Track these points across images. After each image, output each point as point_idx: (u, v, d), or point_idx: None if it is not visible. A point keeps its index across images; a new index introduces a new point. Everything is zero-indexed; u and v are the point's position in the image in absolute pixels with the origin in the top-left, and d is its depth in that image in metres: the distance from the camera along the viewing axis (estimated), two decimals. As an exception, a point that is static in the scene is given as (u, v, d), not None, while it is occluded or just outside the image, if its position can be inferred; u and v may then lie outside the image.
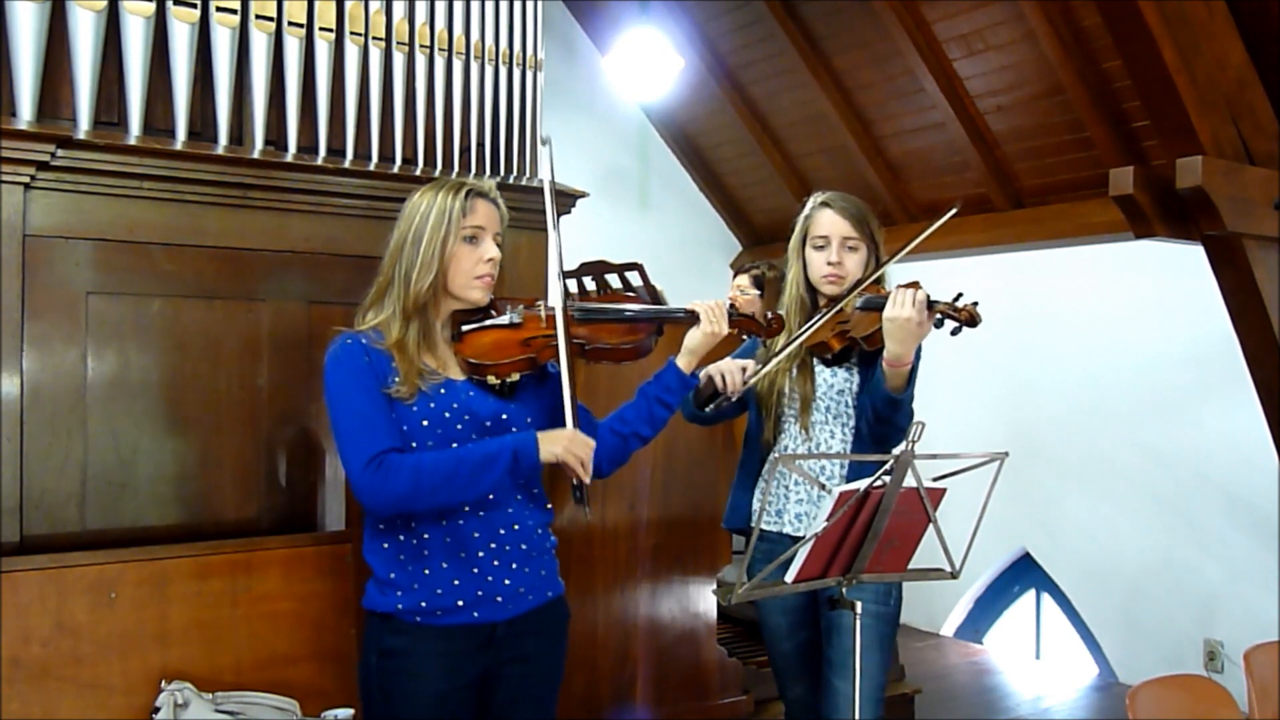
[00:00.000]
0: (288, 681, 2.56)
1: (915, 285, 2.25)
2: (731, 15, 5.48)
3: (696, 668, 3.27)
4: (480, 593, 1.94)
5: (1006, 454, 2.07)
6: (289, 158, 3.01)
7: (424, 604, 1.92)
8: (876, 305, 2.31)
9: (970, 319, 2.23)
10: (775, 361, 2.38)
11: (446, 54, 3.30)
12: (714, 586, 3.31)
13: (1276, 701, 2.55)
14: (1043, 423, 5.43)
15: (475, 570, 1.94)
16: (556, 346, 1.96)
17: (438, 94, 3.29)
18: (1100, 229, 4.67)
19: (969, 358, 5.29)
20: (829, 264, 2.42)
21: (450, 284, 1.98)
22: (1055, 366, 5.42)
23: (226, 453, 2.90)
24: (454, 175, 3.27)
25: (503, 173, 3.40)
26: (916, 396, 2.35)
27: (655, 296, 2.20)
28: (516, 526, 1.99)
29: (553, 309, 2.00)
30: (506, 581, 1.96)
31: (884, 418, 2.31)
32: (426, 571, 1.92)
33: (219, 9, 2.88)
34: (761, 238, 6.58)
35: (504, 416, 1.99)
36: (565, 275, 2.09)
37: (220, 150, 2.89)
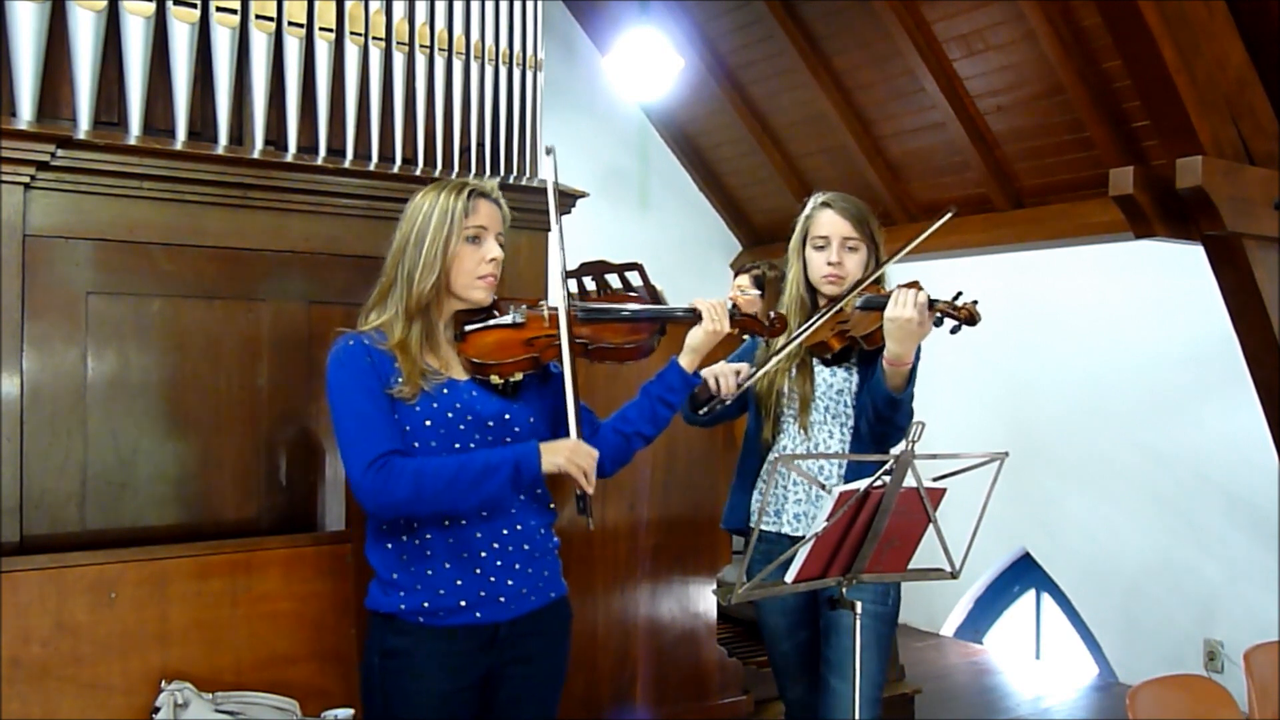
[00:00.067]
0: (288, 681, 2.56)
1: (915, 285, 2.25)
2: (731, 15, 5.48)
3: (696, 668, 3.27)
4: (483, 593, 1.94)
5: (1006, 454, 2.07)
6: (289, 158, 3.00)
7: (427, 604, 1.92)
8: (876, 305, 2.31)
9: (970, 317, 2.23)
10: (774, 361, 2.38)
11: (446, 54, 3.30)
12: (714, 586, 3.31)
13: (1276, 701, 2.55)
14: (1043, 423, 5.43)
15: (478, 571, 1.94)
16: (559, 346, 1.96)
17: (438, 94, 3.29)
18: (1100, 229, 4.68)
19: (969, 357, 5.29)
20: (829, 264, 2.43)
21: (453, 284, 1.98)
22: (1055, 366, 5.42)
23: (226, 453, 2.90)
24: (454, 175, 3.27)
25: (503, 173, 3.40)
26: (916, 396, 2.35)
27: (655, 296, 2.20)
28: (519, 527, 1.99)
29: (555, 309, 2.00)
30: (509, 582, 1.96)
31: (884, 417, 2.31)
32: (429, 572, 1.93)
33: (219, 9, 2.88)
34: (761, 238, 6.59)
35: (507, 416, 1.99)
36: (565, 275, 2.10)
37: (220, 150, 2.89)
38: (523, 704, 2.02)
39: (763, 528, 2.38)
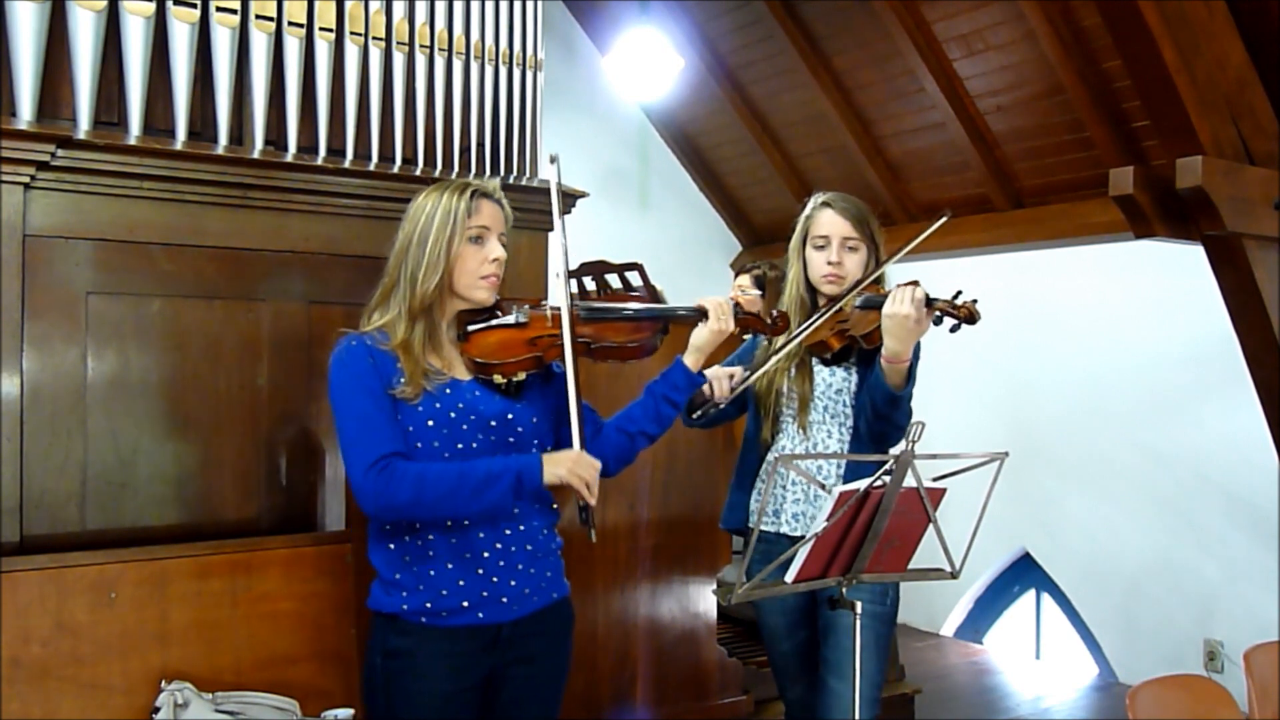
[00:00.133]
0: (288, 681, 2.56)
1: (914, 284, 2.25)
2: (731, 15, 5.48)
3: (696, 668, 3.27)
4: (485, 593, 1.94)
5: (1006, 454, 2.07)
6: (289, 158, 3.01)
7: (429, 605, 1.92)
8: (876, 304, 2.31)
9: (969, 316, 2.24)
10: (773, 361, 2.38)
11: (446, 54, 3.30)
12: (714, 586, 3.31)
13: (1276, 701, 2.55)
14: (1043, 423, 5.43)
15: (480, 571, 1.94)
16: (562, 346, 1.96)
17: (438, 94, 3.29)
18: (1100, 229, 4.67)
19: (969, 357, 5.29)
20: (829, 264, 2.43)
21: (456, 284, 1.98)
22: (1055, 366, 5.42)
23: (226, 453, 2.90)
24: (455, 175, 3.27)
25: (503, 173, 3.40)
26: (917, 396, 2.35)
27: (655, 297, 2.20)
28: (522, 528, 1.99)
29: (558, 308, 2.00)
30: (512, 582, 1.96)
31: (883, 415, 2.32)
32: (432, 573, 1.93)
33: (219, 9, 2.88)
34: (761, 238, 6.59)
35: (510, 416, 1.99)
36: (569, 275, 2.10)
37: (220, 150, 2.89)
38: (525, 704, 2.02)
39: (762, 528, 2.38)
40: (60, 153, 2.61)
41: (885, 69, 5.12)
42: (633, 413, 2.12)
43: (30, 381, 2.63)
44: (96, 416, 2.72)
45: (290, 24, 3.01)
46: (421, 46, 3.25)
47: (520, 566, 1.98)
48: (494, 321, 2.03)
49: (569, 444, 1.97)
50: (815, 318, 2.37)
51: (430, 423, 1.92)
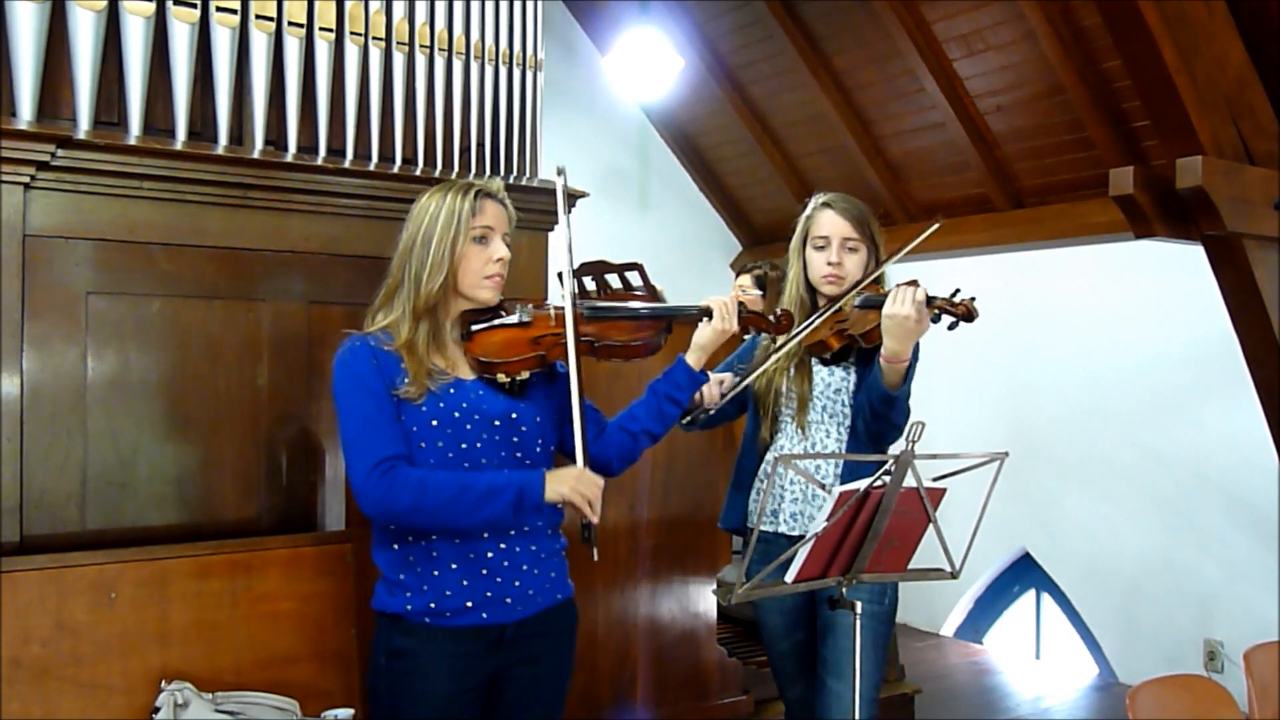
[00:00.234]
0: (288, 681, 2.56)
1: (914, 284, 2.25)
2: (731, 15, 5.48)
3: (696, 668, 3.27)
4: (489, 594, 1.94)
5: (1006, 454, 2.07)
6: (289, 158, 3.01)
7: (433, 605, 1.92)
8: (875, 304, 2.31)
9: (967, 314, 2.24)
10: (771, 361, 2.38)
11: (446, 54, 3.30)
12: (714, 586, 3.31)
13: (1276, 701, 2.55)
14: (1043, 423, 5.43)
15: (484, 571, 1.94)
16: (566, 345, 1.97)
17: (438, 94, 3.29)
18: (1100, 229, 4.67)
19: (969, 357, 5.29)
20: (829, 264, 2.43)
21: (460, 284, 1.98)
22: (1055, 366, 5.42)
23: (226, 453, 2.90)
24: (455, 175, 3.27)
25: (503, 173, 3.40)
26: (916, 396, 2.36)
27: (655, 297, 2.20)
28: (526, 528, 1.99)
29: (561, 307, 2.00)
30: (516, 583, 1.96)
31: (880, 414, 2.32)
32: (436, 573, 1.93)
33: (219, 9, 2.88)
34: (761, 238, 6.59)
35: (513, 415, 1.99)
36: (573, 274, 2.10)
37: (220, 150, 2.89)
38: (529, 705, 2.02)
39: (760, 528, 2.38)
40: (60, 153, 2.61)
41: (885, 69, 5.12)
42: (636, 412, 2.12)
43: (30, 381, 2.63)
44: (96, 416, 2.72)
45: (290, 24, 3.01)
46: (421, 46, 3.25)
47: (524, 567, 1.98)
48: (497, 321, 2.03)
49: (572, 443, 1.98)
50: (814, 317, 2.37)
51: (434, 422, 1.92)
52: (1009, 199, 5.16)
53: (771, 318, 2.22)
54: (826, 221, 2.45)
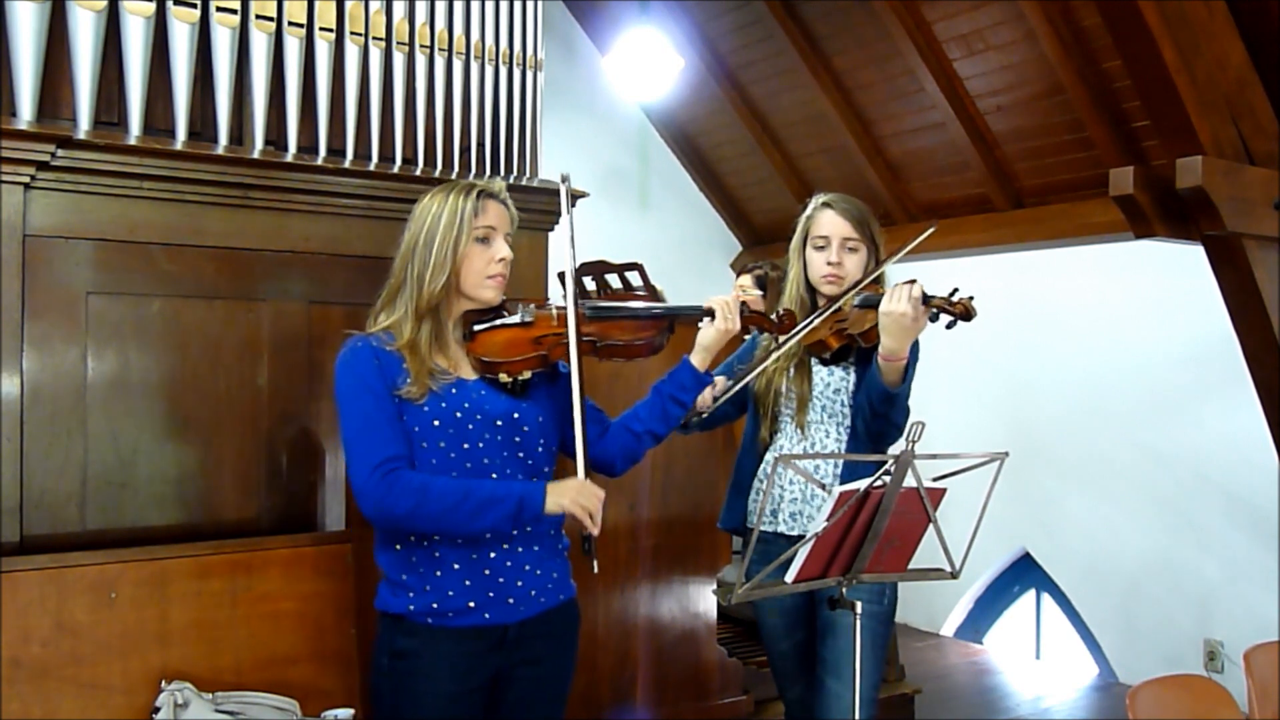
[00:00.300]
0: (288, 681, 2.56)
1: (912, 282, 2.25)
2: (731, 15, 5.48)
3: (696, 668, 3.27)
4: (492, 594, 1.94)
5: (1006, 454, 2.07)
6: (289, 158, 3.00)
7: (436, 605, 1.92)
8: (873, 303, 2.32)
9: (965, 312, 2.25)
10: (768, 362, 2.38)
11: (446, 54, 3.30)
12: (714, 586, 3.31)
13: (1276, 701, 2.55)
14: (1043, 423, 5.43)
15: (487, 572, 1.94)
16: (568, 344, 1.97)
17: (438, 94, 3.29)
18: (1100, 229, 4.68)
19: (969, 357, 5.30)
20: (829, 264, 2.43)
21: (463, 284, 1.99)
22: (1055, 366, 5.42)
23: (226, 453, 2.90)
24: (455, 175, 3.27)
25: (503, 172, 3.40)
26: (916, 396, 2.36)
27: (655, 297, 2.20)
28: (529, 529, 1.99)
29: (564, 307, 2.00)
30: (518, 583, 1.97)
31: (879, 413, 2.32)
32: (438, 573, 1.93)
33: (219, 9, 2.88)
34: (761, 238, 6.59)
35: (515, 415, 1.99)
36: (564, 276, 2.10)
37: (220, 150, 2.89)
38: (531, 705, 2.03)
39: (760, 528, 2.38)
40: (60, 153, 2.61)
41: (885, 69, 5.12)
42: (640, 412, 2.12)
43: (30, 381, 2.63)
44: (96, 416, 2.72)
45: (290, 24, 3.01)
46: (421, 46, 3.25)
47: (527, 567, 1.98)
48: (499, 321, 2.04)
49: (573, 443, 1.98)
50: (812, 317, 2.37)
51: (436, 422, 1.92)
52: (1009, 199, 5.16)
53: (774, 317, 2.23)
54: (827, 221, 2.45)
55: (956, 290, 2.28)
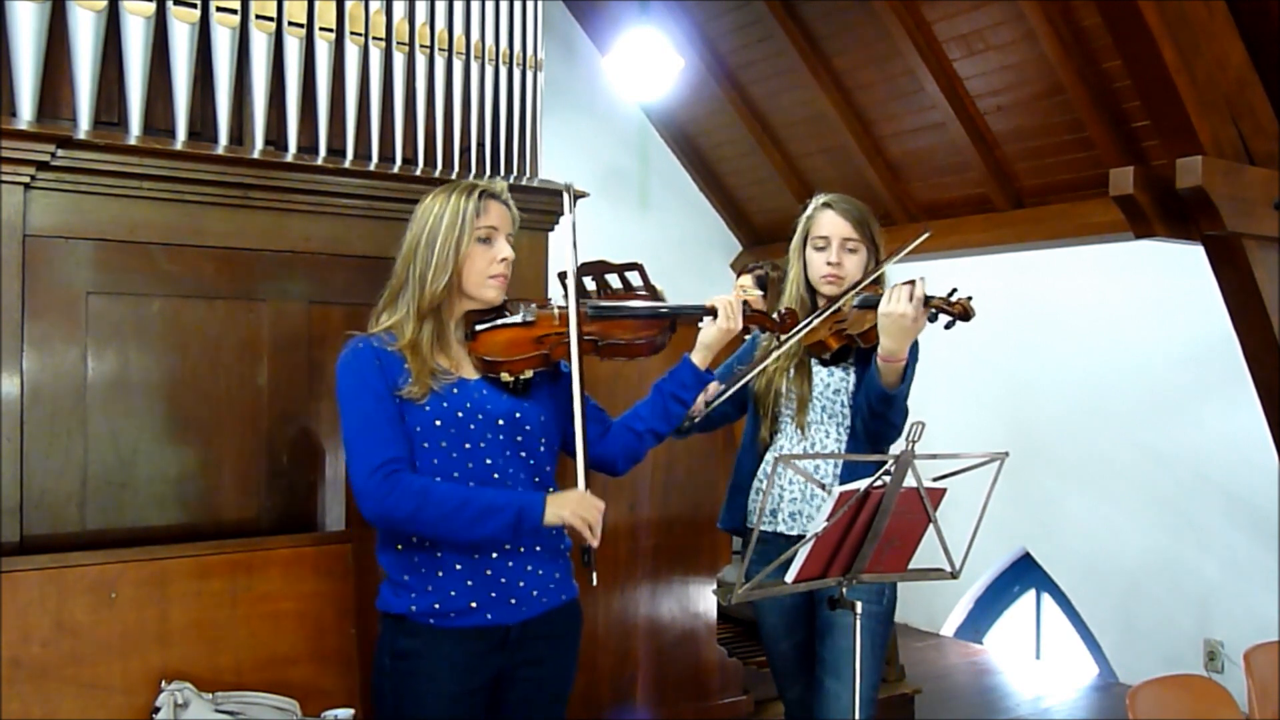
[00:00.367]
0: (288, 681, 2.56)
1: (912, 283, 2.25)
2: (731, 15, 5.48)
3: (696, 668, 3.27)
4: (494, 594, 1.94)
5: (1006, 454, 2.07)
6: (289, 158, 3.00)
7: (438, 606, 1.92)
8: (873, 303, 2.32)
9: (963, 313, 2.25)
10: (765, 363, 2.38)
11: (446, 54, 3.30)
12: (714, 586, 3.31)
13: (1276, 701, 2.55)
14: (1043, 423, 5.43)
15: (489, 572, 1.94)
16: (569, 343, 1.97)
17: (438, 94, 3.29)
18: (1100, 229, 4.68)
19: (969, 357, 5.30)
20: (828, 264, 2.43)
21: (465, 284, 1.99)
22: (1055, 366, 5.42)
23: (226, 453, 2.90)
24: (455, 175, 3.27)
25: (503, 172, 3.40)
26: (916, 396, 2.36)
27: (656, 297, 2.21)
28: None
29: (565, 307, 2.01)
30: (520, 583, 1.97)
31: (878, 413, 2.32)
32: (440, 574, 1.93)
33: (219, 9, 2.88)
34: (761, 238, 6.59)
35: (517, 415, 1.99)
36: (564, 276, 2.11)
37: (220, 150, 2.89)
38: (532, 705, 2.03)
39: (760, 528, 2.38)
40: (60, 153, 2.61)
41: (885, 69, 5.12)
42: (641, 411, 2.13)
43: (30, 381, 2.63)
44: (96, 416, 2.72)
45: (290, 24, 3.01)
46: (421, 46, 3.25)
47: (529, 568, 1.98)
48: (501, 321, 2.04)
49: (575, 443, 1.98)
50: (811, 318, 2.37)
51: (438, 422, 1.92)
52: (1009, 199, 5.16)
53: (776, 316, 2.23)
54: (827, 222, 2.45)
55: (955, 290, 2.28)
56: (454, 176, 3.26)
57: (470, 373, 2.00)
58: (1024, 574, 5.78)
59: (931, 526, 2.09)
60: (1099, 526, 5.24)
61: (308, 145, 3.07)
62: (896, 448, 2.11)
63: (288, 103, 3.02)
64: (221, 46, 2.90)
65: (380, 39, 3.17)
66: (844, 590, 2.10)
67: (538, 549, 1.99)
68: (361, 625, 2.64)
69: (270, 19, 2.97)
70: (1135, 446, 5.07)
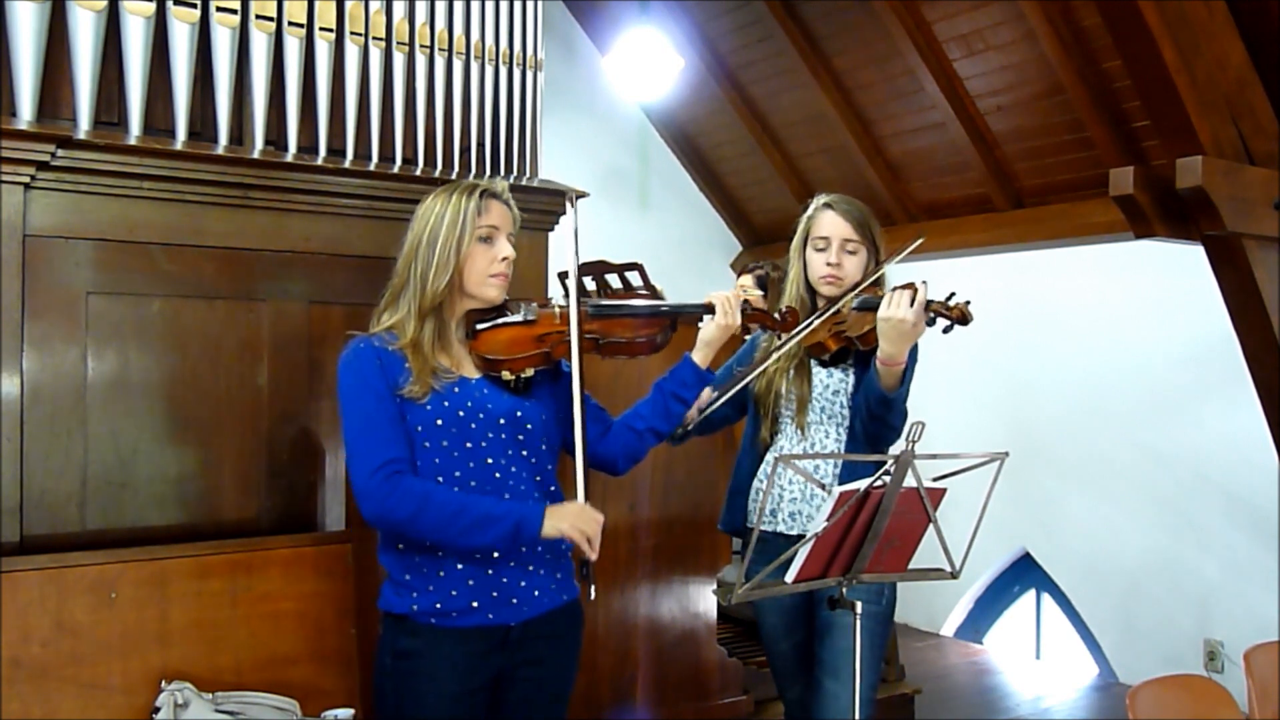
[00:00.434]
0: (288, 681, 2.56)
1: (911, 287, 2.25)
2: (731, 15, 5.48)
3: (696, 668, 3.27)
4: (495, 594, 1.94)
5: (1006, 454, 2.07)
6: (289, 158, 3.00)
7: (439, 605, 1.92)
8: (872, 306, 2.32)
9: (961, 317, 2.25)
10: (764, 366, 2.38)
11: (446, 54, 3.30)
12: (714, 586, 3.31)
13: (1276, 701, 2.55)
14: (1043, 423, 5.43)
15: (490, 572, 1.94)
16: (570, 342, 1.97)
17: (438, 94, 3.29)
18: (1100, 229, 4.67)
19: (969, 358, 5.30)
20: (828, 265, 2.43)
21: (466, 283, 1.99)
22: (1055, 366, 5.42)
23: (226, 453, 2.90)
24: (455, 175, 3.27)
25: (503, 172, 3.40)
26: (916, 396, 2.36)
27: (655, 296, 2.21)
28: (523, 549, 1.98)
29: (566, 305, 2.01)
30: (522, 583, 1.97)
31: (877, 416, 2.32)
32: (441, 573, 1.93)
33: (219, 9, 2.88)
34: (761, 238, 6.59)
35: (518, 414, 2.00)
36: (565, 276, 2.11)
37: (220, 150, 2.89)
38: (533, 705, 2.03)
39: (760, 528, 2.38)
40: (60, 153, 2.61)
41: (885, 69, 5.12)
42: (642, 410, 2.13)
43: (30, 381, 2.63)
44: (96, 416, 2.72)
45: (290, 24, 3.01)
46: (421, 46, 3.25)
47: (530, 568, 1.98)
48: (502, 320, 2.05)
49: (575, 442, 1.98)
50: (811, 319, 2.37)
51: (439, 422, 1.92)
52: (1009, 199, 5.16)
53: (777, 315, 2.23)
54: (827, 222, 2.45)
55: (954, 294, 2.28)
56: (454, 176, 3.26)
57: (471, 372, 2.01)
58: (1024, 574, 5.78)
59: (931, 526, 2.09)
60: (1099, 526, 5.24)
61: (308, 145, 3.07)
62: (896, 448, 2.11)
63: (288, 103, 3.02)
64: (221, 46, 2.90)
65: (380, 39, 3.17)
66: (844, 590, 2.10)
67: (539, 549, 1.99)
68: (361, 625, 2.64)
69: (270, 19, 2.97)
70: (1135, 446, 5.07)
